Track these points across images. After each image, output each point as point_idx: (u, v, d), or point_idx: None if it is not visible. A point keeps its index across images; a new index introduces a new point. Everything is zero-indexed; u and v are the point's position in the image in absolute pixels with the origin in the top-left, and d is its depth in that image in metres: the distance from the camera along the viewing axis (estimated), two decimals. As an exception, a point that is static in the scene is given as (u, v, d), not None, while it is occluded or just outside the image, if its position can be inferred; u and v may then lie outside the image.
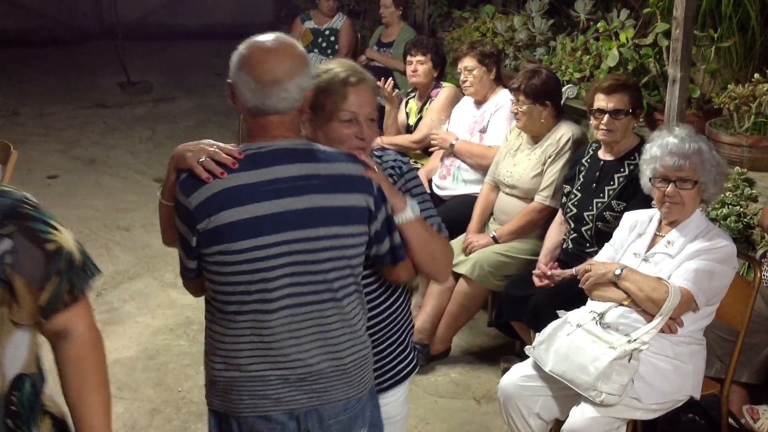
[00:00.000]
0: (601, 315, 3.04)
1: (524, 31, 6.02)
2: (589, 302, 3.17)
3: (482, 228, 4.37)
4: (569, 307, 3.21)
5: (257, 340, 2.12)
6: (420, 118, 5.20)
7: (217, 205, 2.04)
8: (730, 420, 3.31)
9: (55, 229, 1.88)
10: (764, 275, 3.39)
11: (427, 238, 2.33)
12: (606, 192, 3.72)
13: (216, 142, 2.12)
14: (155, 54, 11.53)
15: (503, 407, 3.19)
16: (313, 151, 2.14)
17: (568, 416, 2.98)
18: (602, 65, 4.99)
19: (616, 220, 3.41)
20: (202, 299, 2.30)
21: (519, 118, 4.13)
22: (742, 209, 3.86)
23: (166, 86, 10.17)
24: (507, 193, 4.27)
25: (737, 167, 4.00)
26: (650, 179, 3.11)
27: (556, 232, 3.98)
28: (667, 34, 4.36)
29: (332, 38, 7.03)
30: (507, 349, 4.31)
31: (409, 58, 5.22)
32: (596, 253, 3.44)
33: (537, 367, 3.13)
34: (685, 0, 3.86)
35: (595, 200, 3.75)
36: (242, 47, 2.11)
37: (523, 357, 3.31)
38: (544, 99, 4.07)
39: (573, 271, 3.36)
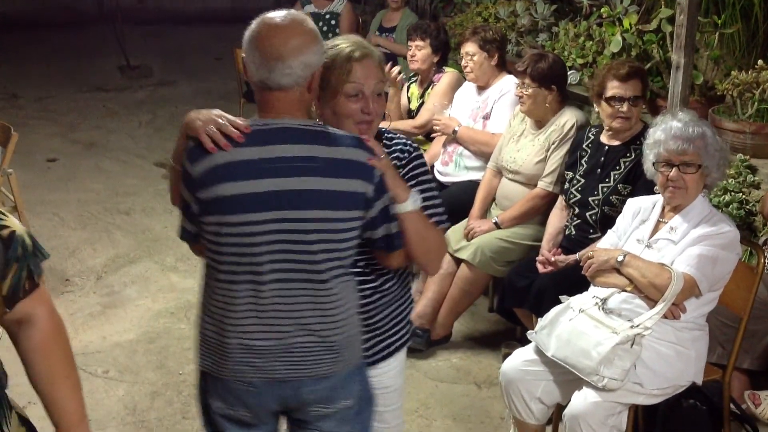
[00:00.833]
0: (604, 300, 3.04)
1: (527, 16, 5.99)
2: (592, 287, 3.17)
3: (484, 213, 4.37)
4: (571, 292, 3.20)
5: (247, 309, 2.16)
6: (422, 103, 5.19)
7: (217, 177, 2.08)
8: (731, 406, 3.32)
9: (3, 214, 1.81)
10: (767, 261, 3.38)
11: (423, 231, 2.31)
12: (612, 177, 3.72)
13: (226, 114, 2.15)
14: (155, 38, 11.51)
15: (505, 391, 3.19)
16: (319, 132, 2.15)
17: (569, 401, 2.98)
18: (605, 51, 4.98)
19: (622, 204, 3.40)
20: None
21: (524, 101, 4.12)
22: (744, 196, 3.86)
23: (166, 70, 10.14)
24: (510, 179, 4.26)
25: (740, 154, 3.99)
26: (653, 164, 3.10)
27: (557, 218, 3.97)
28: (671, 19, 4.34)
29: (333, 22, 6.99)
30: (508, 335, 4.31)
31: (409, 42, 5.21)
32: (600, 238, 3.44)
33: (539, 351, 3.12)
34: (689, -14, 3.85)
35: (600, 185, 3.74)
36: (254, 22, 2.15)
37: (524, 343, 3.30)
38: (550, 83, 4.06)
39: (576, 256, 3.35)
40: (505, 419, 3.52)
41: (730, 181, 3.88)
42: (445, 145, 4.81)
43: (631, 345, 2.87)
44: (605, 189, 3.72)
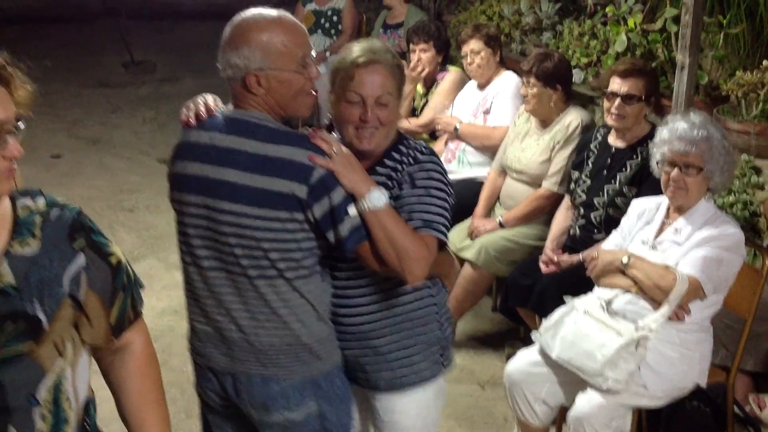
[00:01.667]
0: (609, 302, 3.03)
1: (531, 14, 5.98)
2: (596, 289, 3.17)
3: (488, 213, 4.37)
4: (575, 293, 3.21)
5: (195, 292, 2.26)
6: (426, 102, 5.19)
7: (176, 154, 2.26)
8: (735, 408, 3.32)
9: (108, 240, 1.79)
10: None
11: (392, 233, 2.14)
12: (618, 178, 3.71)
13: (210, 99, 2.30)
14: (158, 34, 11.48)
15: (509, 393, 3.19)
16: (259, 127, 2.16)
17: (573, 403, 2.99)
18: (610, 50, 4.96)
19: (626, 206, 3.39)
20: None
21: (529, 101, 4.12)
22: (748, 197, 3.85)
23: (170, 66, 10.13)
24: (514, 179, 4.26)
25: (744, 155, 3.97)
26: (657, 162, 3.10)
27: (562, 218, 3.97)
28: (676, 19, 4.33)
29: (335, 18, 6.95)
30: (511, 335, 4.31)
31: (411, 46, 5.17)
32: (604, 239, 3.43)
33: (543, 353, 3.12)
34: (694, -15, 3.84)
35: (606, 186, 3.73)
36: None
37: (527, 342, 3.30)
38: (555, 82, 4.06)
39: (580, 256, 3.35)
40: (509, 421, 3.52)
41: (734, 181, 3.87)
42: (447, 143, 4.83)
43: (636, 347, 2.87)
44: (611, 191, 3.71)
